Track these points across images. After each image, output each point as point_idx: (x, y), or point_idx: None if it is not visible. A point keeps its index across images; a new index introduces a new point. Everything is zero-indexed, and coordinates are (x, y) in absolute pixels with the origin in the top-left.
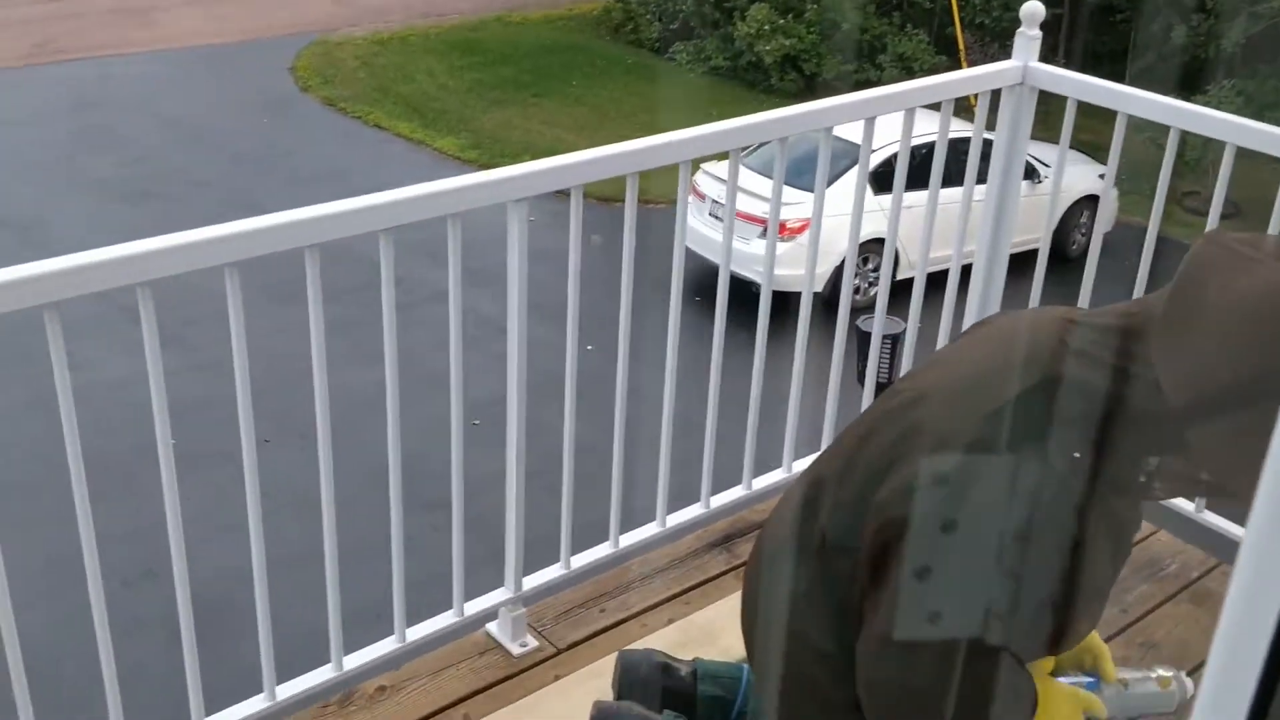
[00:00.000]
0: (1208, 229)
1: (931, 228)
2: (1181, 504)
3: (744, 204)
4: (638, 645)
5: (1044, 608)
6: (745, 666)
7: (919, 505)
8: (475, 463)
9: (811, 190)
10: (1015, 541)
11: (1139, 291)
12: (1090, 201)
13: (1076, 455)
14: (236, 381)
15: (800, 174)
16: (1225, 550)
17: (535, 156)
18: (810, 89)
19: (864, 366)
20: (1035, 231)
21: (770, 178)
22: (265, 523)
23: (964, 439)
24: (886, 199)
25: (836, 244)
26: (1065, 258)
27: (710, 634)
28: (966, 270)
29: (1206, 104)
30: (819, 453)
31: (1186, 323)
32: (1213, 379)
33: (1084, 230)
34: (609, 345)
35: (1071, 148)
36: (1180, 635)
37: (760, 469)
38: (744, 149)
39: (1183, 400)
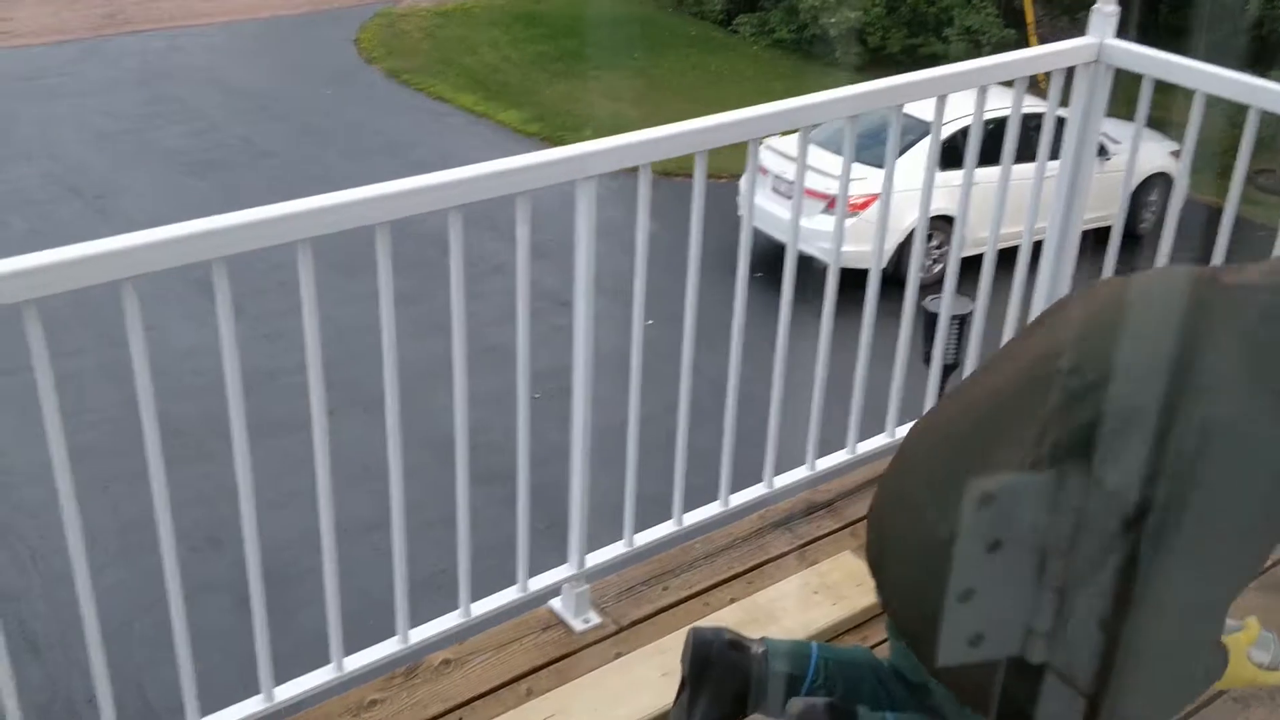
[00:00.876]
0: (1234, 196)
1: (1003, 205)
2: None
3: (807, 179)
4: (707, 623)
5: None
6: (814, 644)
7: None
8: (536, 435)
9: (874, 165)
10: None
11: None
12: (1160, 179)
13: None
14: (308, 359)
15: (864, 148)
16: None
17: (598, 130)
18: (875, 63)
19: (930, 348)
20: (1104, 209)
21: (833, 152)
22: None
23: (1195, 414)
24: (950, 175)
25: (901, 220)
26: (1133, 235)
27: (772, 614)
28: (1034, 248)
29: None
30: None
31: None
32: None
33: (1153, 208)
34: (664, 319)
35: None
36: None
37: (822, 450)
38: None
39: None
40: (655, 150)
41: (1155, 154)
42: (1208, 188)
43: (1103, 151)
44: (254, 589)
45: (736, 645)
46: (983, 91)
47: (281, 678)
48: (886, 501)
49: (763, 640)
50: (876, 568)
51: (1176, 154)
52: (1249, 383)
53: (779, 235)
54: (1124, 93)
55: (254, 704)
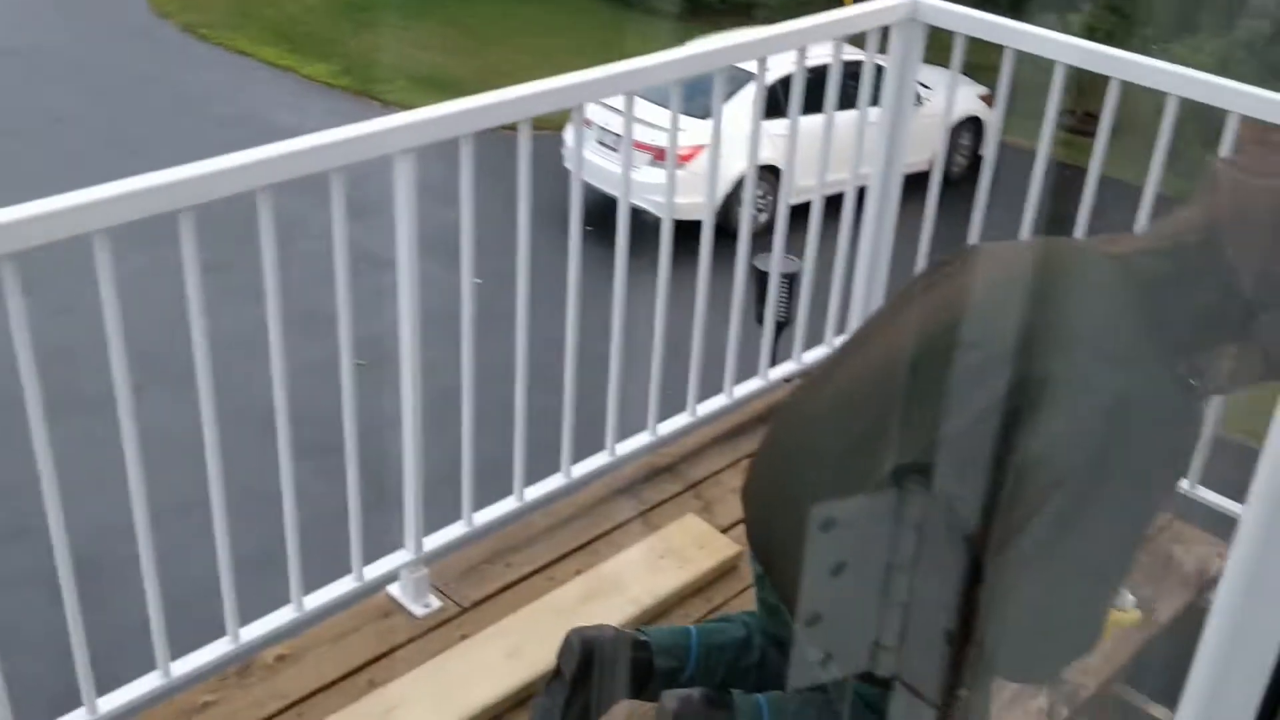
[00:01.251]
0: (1095, 156)
1: (828, 157)
2: None
3: (636, 132)
4: (553, 597)
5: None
6: (692, 630)
7: (1086, 451)
8: (364, 404)
9: (696, 116)
10: (1171, 463)
11: (1030, 207)
12: (970, 123)
13: (1186, 378)
14: (113, 364)
15: (685, 98)
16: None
17: (411, 81)
18: (693, 11)
19: (762, 307)
20: (916, 154)
21: (657, 104)
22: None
23: (1105, 386)
24: (771, 125)
25: (726, 171)
26: (946, 179)
27: (618, 584)
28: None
29: (1083, 23)
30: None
31: (1249, 223)
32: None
33: (963, 151)
34: (493, 277)
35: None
36: None
37: (663, 413)
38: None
39: (1255, 287)
40: (478, 120)
41: (965, 98)
42: (1015, 129)
43: (915, 99)
44: (68, 602)
45: (620, 642)
46: (803, 50)
47: (107, 671)
48: (766, 480)
49: (642, 631)
50: (760, 546)
51: (985, 97)
52: (1150, 353)
53: (606, 188)
54: (937, 39)
55: (77, 717)
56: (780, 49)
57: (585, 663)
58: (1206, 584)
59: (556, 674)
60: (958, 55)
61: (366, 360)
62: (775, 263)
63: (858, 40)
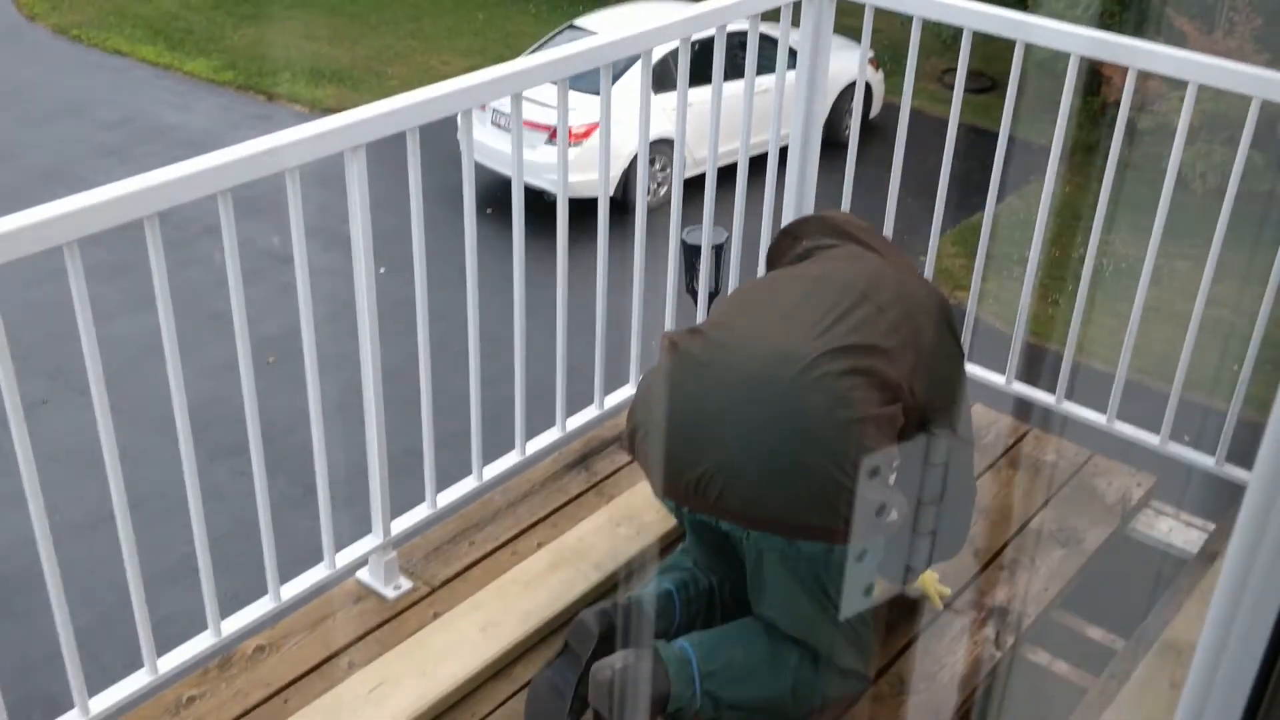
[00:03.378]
0: (956, 104)
1: (749, 127)
2: (992, 377)
3: (527, 111)
4: (519, 569)
5: None
6: (672, 590)
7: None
8: (278, 401)
9: (590, 92)
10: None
11: (896, 166)
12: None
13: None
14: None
15: (580, 76)
16: (1032, 416)
17: (296, 75)
18: None
19: (693, 278)
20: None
21: (550, 82)
22: (62, 486)
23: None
24: (665, 98)
25: (622, 148)
26: (838, 143)
27: (580, 552)
28: (750, 163)
29: None
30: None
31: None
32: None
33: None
34: (397, 265)
35: (839, 33)
36: (1003, 500)
37: (608, 387)
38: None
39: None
40: (422, 113)
41: (850, 63)
42: (895, 91)
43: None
44: (56, 606)
45: (620, 615)
46: (723, 29)
47: (36, 688)
48: (676, 414)
49: (632, 600)
50: (678, 463)
51: (871, 61)
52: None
53: (502, 169)
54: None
55: (71, 718)
56: (701, 28)
57: (602, 643)
58: (1129, 513)
59: (564, 651)
60: (867, 27)
61: (275, 356)
62: (706, 235)
63: (771, 14)
